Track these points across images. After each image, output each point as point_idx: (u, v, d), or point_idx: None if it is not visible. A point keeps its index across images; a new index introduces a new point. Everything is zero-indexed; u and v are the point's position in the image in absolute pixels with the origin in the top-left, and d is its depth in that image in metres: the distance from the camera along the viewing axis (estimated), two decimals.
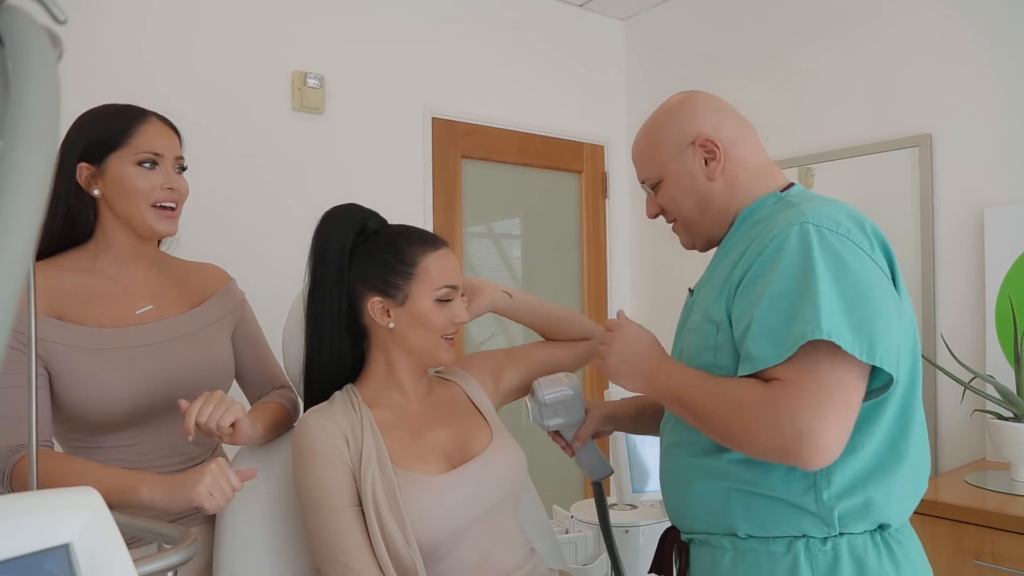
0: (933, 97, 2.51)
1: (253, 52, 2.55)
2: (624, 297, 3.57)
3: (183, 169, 1.38)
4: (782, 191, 1.21)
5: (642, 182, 1.31)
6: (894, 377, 1.00)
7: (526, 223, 3.37)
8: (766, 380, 1.02)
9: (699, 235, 1.29)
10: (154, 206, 1.31)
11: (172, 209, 1.34)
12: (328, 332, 1.30)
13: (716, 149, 1.20)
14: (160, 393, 1.32)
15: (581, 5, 3.43)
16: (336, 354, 1.31)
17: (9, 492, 1.19)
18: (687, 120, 1.24)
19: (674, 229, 1.33)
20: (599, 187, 3.52)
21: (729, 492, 1.11)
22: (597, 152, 3.52)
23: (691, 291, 1.32)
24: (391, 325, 1.27)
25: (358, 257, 1.30)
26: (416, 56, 2.94)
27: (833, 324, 0.96)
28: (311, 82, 2.62)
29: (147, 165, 1.31)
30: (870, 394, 1.03)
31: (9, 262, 0.33)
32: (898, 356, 1.02)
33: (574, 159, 3.44)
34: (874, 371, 1.01)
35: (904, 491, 1.09)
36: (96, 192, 1.30)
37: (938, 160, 2.49)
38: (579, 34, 3.45)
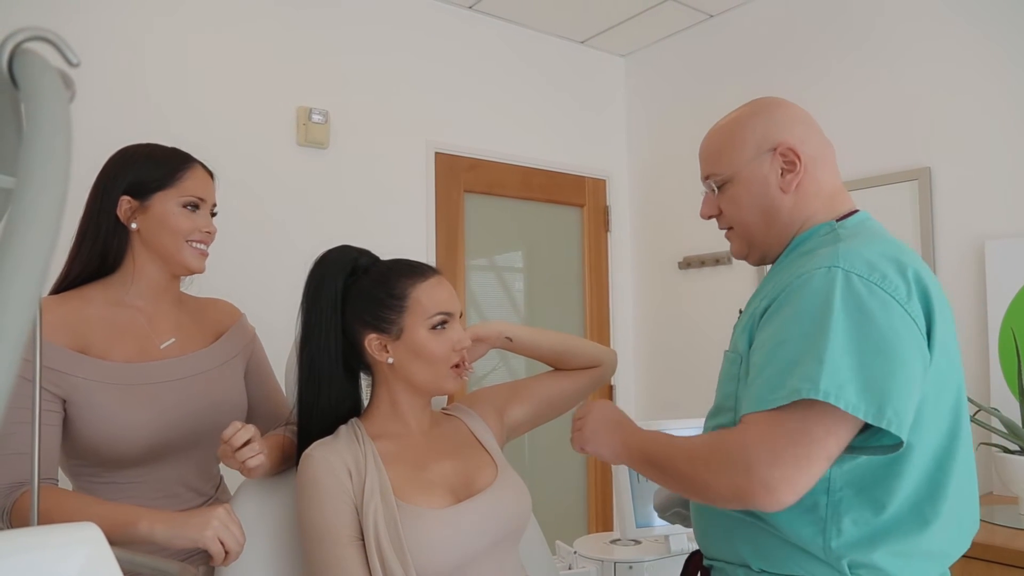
0: (932, 131, 2.53)
1: (258, 88, 2.59)
2: (627, 330, 3.57)
3: (215, 215, 1.44)
4: (838, 220, 1.16)
5: (706, 178, 1.25)
6: (903, 441, 0.95)
7: (528, 256, 3.38)
8: None
9: (755, 247, 1.23)
10: (189, 243, 1.36)
11: (205, 246, 1.40)
12: (325, 375, 1.29)
13: (797, 161, 1.15)
14: (179, 429, 1.33)
15: (582, 42, 3.48)
16: (334, 396, 1.30)
17: (8, 528, 1.18)
18: (775, 124, 1.18)
19: (728, 236, 1.27)
20: (601, 220, 3.54)
21: (742, 524, 1.11)
22: (599, 186, 3.54)
23: (741, 312, 1.28)
24: (390, 360, 1.27)
25: (351, 297, 1.30)
26: (419, 91, 2.98)
27: (836, 383, 0.93)
28: (315, 117, 2.66)
29: (191, 208, 1.36)
30: (879, 449, 0.99)
31: (20, 300, 0.33)
32: (924, 416, 0.99)
33: (576, 193, 3.47)
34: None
35: (925, 552, 1.03)
36: (134, 226, 1.33)
37: (938, 193, 2.50)
38: (580, 70, 3.50)
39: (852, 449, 1.00)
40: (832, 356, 0.95)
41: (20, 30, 0.46)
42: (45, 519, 1.03)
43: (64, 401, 1.24)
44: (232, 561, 1.13)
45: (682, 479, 1.07)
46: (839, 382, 0.94)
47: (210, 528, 1.10)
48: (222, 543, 1.11)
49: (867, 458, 1.01)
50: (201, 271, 1.40)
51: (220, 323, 1.50)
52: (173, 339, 1.39)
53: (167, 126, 2.34)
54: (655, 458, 1.12)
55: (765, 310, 1.08)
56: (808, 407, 0.95)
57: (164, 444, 1.31)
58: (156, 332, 1.37)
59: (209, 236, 1.40)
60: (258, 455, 1.20)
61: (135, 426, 1.27)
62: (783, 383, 0.97)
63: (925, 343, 1.00)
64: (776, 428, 0.97)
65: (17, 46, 0.45)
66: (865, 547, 1.01)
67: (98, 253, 1.34)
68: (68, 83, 0.46)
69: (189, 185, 1.36)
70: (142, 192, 1.33)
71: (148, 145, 1.39)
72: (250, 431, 1.20)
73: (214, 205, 1.42)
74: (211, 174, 1.43)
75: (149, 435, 1.29)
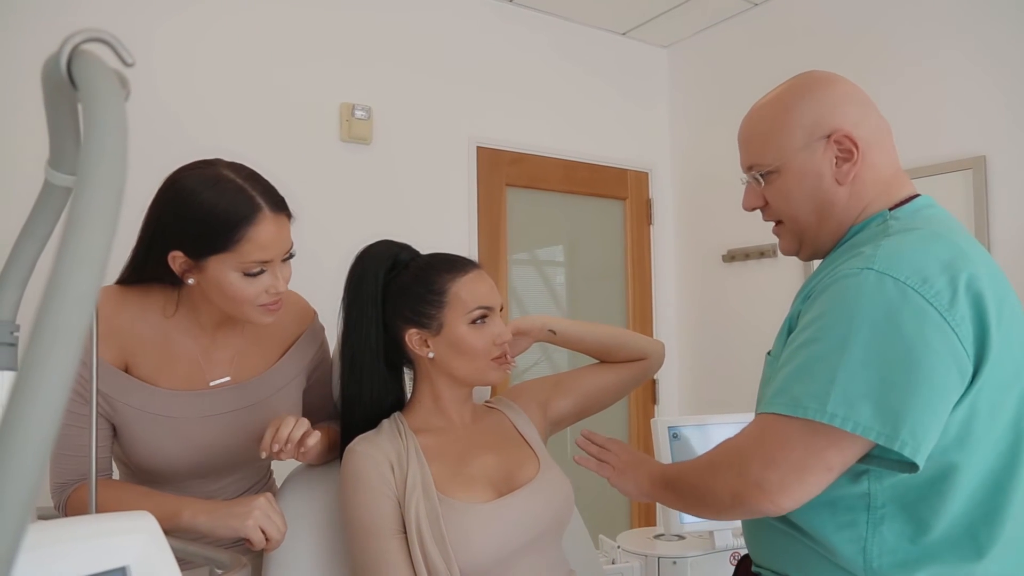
0: (986, 118, 2.45)
1: (303, 85, 2.62)
2: (670, 324, 3.54)
3: (291, 256, 1.23)
4: (893, 208, 1.06)
5: (748, 168, 1.14)
6: (918, 465, 0.89)
7: (570, 250, 3.37)
8: None
9: (807, 242, 1.13)
10: (259, 306, 1.20)
11: (276, 304, 1.22)
12: (367, 369, 1.30)
13: (855, 150, 1.04)
14: (225, 459, 1.31)
15: (624, 34, 3.45)
16: (376, 390, 1.31)
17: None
18: (827, 107, 1.06)
19: (776, 231, 1.18)
20: (644, 214, 3.52)
21: (785, 536, 1.07)
22: (641, 179, 3.51)
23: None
24: (431, 355, 1.28)
25: (391, 292, 1.30)
26: (461, 86, 2.99)
27: (847, 402, 0.89)
28: (359, 113, 2.68)
29: (254, 272, 1.16)
30: (897, 465, 0.93)
31: (79, 297, 0.34)
32: (973, 433, 0.93)
33: (618, 186, 3.44)
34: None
35: None
36: (191, 281, 1.18)
37: (993, 183, 2.43)
38: (622, 62, 3.47)
39: (870, 459, 0.95)
40: (847, 371, 0.90)
41: (77, 32, 0.47)
42: (97, 510, 1.07)
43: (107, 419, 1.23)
44: (273, 549, 1.14)
45: (692, 492, 1.09)
46: (851, 400, 0.90)
47: (251, 518, 1.11)
48: (264, 532, 1.12)
49: (910, 475, 0.93)
50: (269, 323, 1.25)
51: (288, 332, 1.38)
52: (227, 377, 1.30)
53: (212, 125, 2.38)
54: (671, 479, 1.14)
55: (798, 313, 1.03)
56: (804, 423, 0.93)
57: (207, 468, 1.30)
58: (209, 366, 1.29)
59: (280, 295, 1.21)
60: (312, 434, 1.18)
61: (178, 458, 1.25)
62: (795, 393, 0.94)
63: (966, 355, 0.91)
64: (776, 432, 0.96)
65: (75, 48, 0.46)
66: (909, 569, 0.95)
67: (160, 264, 1.20)
68: (124, 83, 0.48)
69: (249, 249, 1.13)
70: (195, 253, 1.14)
71: (204, 183, 1.15)
72: (305, 424, 1.18)
73: (288, 250, 1.21)
74: (287, 214, 1.20)
75: (190, 464, 1.27)
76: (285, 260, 1.21)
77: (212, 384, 1.29)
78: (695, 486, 1.08)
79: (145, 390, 1.23)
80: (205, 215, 1.12)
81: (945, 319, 0.90)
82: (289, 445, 1.16)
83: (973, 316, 0.92)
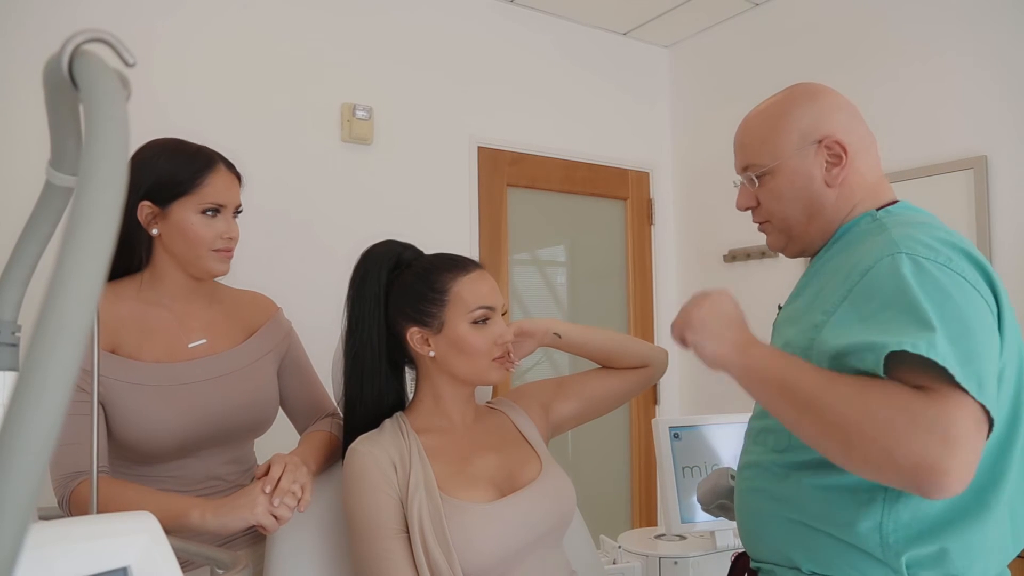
0: (987, 118, 2.45)
1: (303, 86, 2.62)
2: (670, 324, 3.53)
3: (239, 213, 1.41)
4: (878, 209, 1.12)
5: (743, 169, 1.20)
6: (993, 421, 0.86)
7: (571, 250, 3.37)
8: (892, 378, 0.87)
9: (795, 241, 1.19)
10: (211, 251, 1.34)
11: (228, 251, 1.38)
12: (369, 367, 1.31)
13: (844, 154, 1.11)
14: (209, 427, 1.34)
15: (625, 33, 3.45)
16: (378, 388, 1.32)
17: (68, 516, 1.21)
18: (820, 114, 1.13)
19: (763, 229, 1.23)
20: (645, 214, 3.52)
21: (794, 524, 1.08)
22: (642, 179, 3.51)
23: (780, 308, 1.25)
24: (432, 354, 1.28)
25: (394, 291, 1.31)
26: (462, 86, 2.99)
27: (943, 352, 0.84)
28: (360, 114, 2.69)
29: (210, 213, 1.33)
30: None
31: (83, 295, 0.34)
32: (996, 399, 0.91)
33: (619, 186, 3.44)
34: None
35: (989, 545, 0.99)
36: (155, 231, 1.32)
37: (994, 183, 2.42)
38: (624, 62, 3.47)
39: None
40: (927, 320, 0.86)
41: (79, 32, 0.47)
42: (102, 508, 1.07)
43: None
44: (286, 520, 1.16)
45: (841, 433, 0.88)
46: (944, 353, 0.84)
47: (259, 505, 1.13)
48: (276, 517, 1.14)
49: None
50: (225, 273, 1.39)
51: (254, 319, 1.49)
52: (203, 340, 1.39)
53: (212, 126, 2.38)
54: (797, 389, 0.93)
55: (825, 319, 1.00)
56: (962, 394, 0.83)
57: (195, 441, 1.33)
58: (185, 332, 1.38)
59: (232, 242, 1.37)
60: (306, 487, 1.20)
61: (165, 426, 1.29)
62: (901, 329, 0.86)
63: (996, 321, 0.95)
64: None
65: (76, 48, 0.46)
66: (925, 539, 0.97)
67: (121, 253, 1.32)
68: (125, 83, 0.48)
69: (209, 192, 1.33)
70: (161, 199, 1.31)
71: (170, 145, 1.35)
72: (300, 475, 1.20)
73: (238, 206, 1.39)
74: (237, 175, 1.39)
75: (180, 434, 1.31)
76: (235, 216, 1.39)
77: (190, 346, 1.37)
78: (853, 431, 0.86)
79: (131, 365, 1.29)
80: (171, 167, 1.32)
81: (977, 290, 0.94)
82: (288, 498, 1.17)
83: (988, 287, 0.97)
